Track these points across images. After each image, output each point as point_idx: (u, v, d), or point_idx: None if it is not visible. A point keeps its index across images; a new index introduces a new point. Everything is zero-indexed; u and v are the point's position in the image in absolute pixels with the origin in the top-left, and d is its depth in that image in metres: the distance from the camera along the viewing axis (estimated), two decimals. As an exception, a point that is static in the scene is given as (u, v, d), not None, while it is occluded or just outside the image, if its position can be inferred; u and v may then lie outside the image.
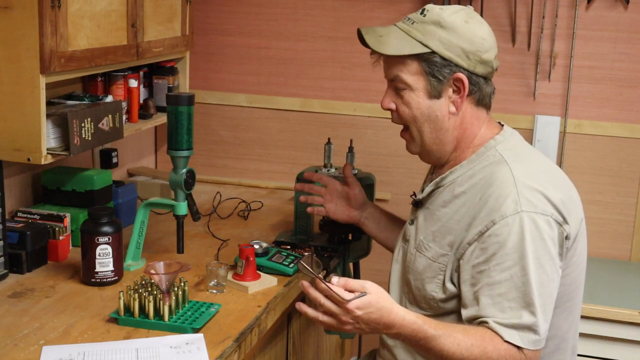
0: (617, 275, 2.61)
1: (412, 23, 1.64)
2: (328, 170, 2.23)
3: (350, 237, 2.25)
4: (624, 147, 2.70)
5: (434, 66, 1.62)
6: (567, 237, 1.57)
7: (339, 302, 1.45)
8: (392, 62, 1.66)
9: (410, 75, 1.64)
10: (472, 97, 1.66)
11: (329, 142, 2.26)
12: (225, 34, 3.00)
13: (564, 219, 1.56)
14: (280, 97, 2.98)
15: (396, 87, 1.67)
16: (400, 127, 1.77)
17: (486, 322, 1.51)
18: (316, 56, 2.92)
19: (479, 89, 1.66)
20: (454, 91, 1.64)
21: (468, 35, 1.62)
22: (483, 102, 1.68)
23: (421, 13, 1.65)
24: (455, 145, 1.69)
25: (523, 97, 2.75)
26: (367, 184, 2.24)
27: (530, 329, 1.49)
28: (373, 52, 1.68)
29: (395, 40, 1.64)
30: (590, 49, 2.68)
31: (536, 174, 1.61)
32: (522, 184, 1.56)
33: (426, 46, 1.62)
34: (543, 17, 2.67)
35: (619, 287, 2.52)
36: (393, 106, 1.70)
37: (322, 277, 1.49)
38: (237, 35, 2.98)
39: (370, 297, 1.46)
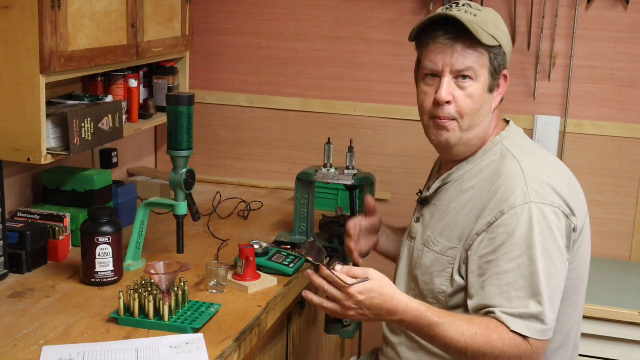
0: (617, 275, 2.61)
1: (475, 16, 1.62)
2: (328, 170, 2.23)
3: (350, 237, 2.25)
4: (624, 147, 2.70)
5: (498, 60, 1.64)
6: (574, 230, 1.58)
7: (342, 287, 1.47)
8: (468, 51, 1.62)
9: (480, 67, 1.63)
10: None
11: (329, 142, 2.26)
12: (225, 34, 3.00)
13: (572, 211, 1.58)
14: (280, 97, 2.98)
15: (462, 76, 1.62)
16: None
17: (492, 312, 1.51)
18: (316, 56, 2.92)
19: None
20: (496, 88, 1.68)
21: (509, 34, 1.69)
22: (502, 101, 1.73)
23: (474, 15, 1.63)
24: (482, 141, 1.70)
25: (523, 97, 2.75)
26: (367, 184, 2.24)
27: (537, 318, 1.50)
28: (449, 38, 1.62)
29: (479, 29, 1.61)
30: (590, 49, 2.68)
31: (543, 167, 1.63)
32: (530, 176, 1.58)
33: (497, 40, 1.63)
34: (543, 17, 2.67)
35: (619, 287, 2.51)
36: (452, 98, 1.63)
37: (325, 264, 1.50)
38: (237, 35, 2.98)
39: (372, 282, 1.48)
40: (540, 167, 1.62)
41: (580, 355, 2.17)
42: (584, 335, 2.35)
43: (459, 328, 1.49)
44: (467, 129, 1.65)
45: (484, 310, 1.54)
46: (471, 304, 1.57)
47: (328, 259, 2.11)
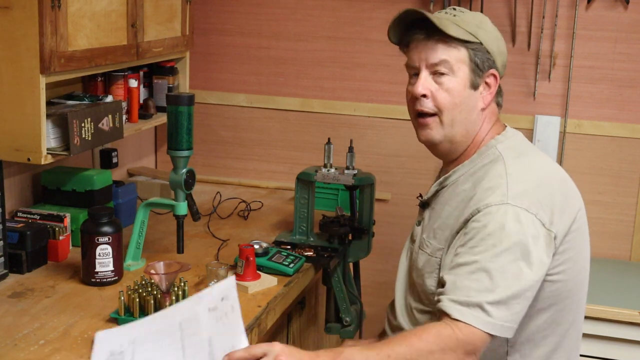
0: (617, 275, 2.61)
1: (454, 16, 1.67)
2: (328, 170, 2.23)
3: (350, 237, 2.25)
4: (624, 147, 2.70)
5: (478, 57, 1.66)
6: (555, 237, 1.56)
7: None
8: (440, 45, 1.65)
9: (457, 61, 1.65)
10: (495, 95, 1.71)
11: (329, 142, 2.26)
12: (225, 34, 3.00)
13: (550, 219, 1.56)
14: (280, 97, 2.98)
15: (437, 72, 1.66)
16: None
17: (440, 300, 1.52)
18: (316, 56, 2.92)
19: (500, 88, 1.72)
20: (484, 87, 1.69)
21: (499, 37, 1.71)
22: (499, 102, 1.74)
23: (453, 15, 1.67)
24: (471, 141, 1.70)
25: (523, 97, 2.75)
26: (367, 184, 2.24)
27: (483, 309, 1.47)
28: (419, 33, 1.67)
29: (451, 25, 1.64)
30: (590, 49, 2.68)
31: (530, 172, 1.63)
32: (513, 180, 1.58)
33: (475, 37, 1.65)
34: (543, 17, 2.67)
35: (619, 287, 2.52)
36: (428, 92, 1.67)
37: None
38: (237, 35, 2.98)
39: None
40: (527, 173, 1.62)
41: (580, 355, 2.17)
42: (584, 335, 2.35)
43: (382, 352, 1.44)
44: (449, 124, 1.67)
45: (436, 299, 1.54)
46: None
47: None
